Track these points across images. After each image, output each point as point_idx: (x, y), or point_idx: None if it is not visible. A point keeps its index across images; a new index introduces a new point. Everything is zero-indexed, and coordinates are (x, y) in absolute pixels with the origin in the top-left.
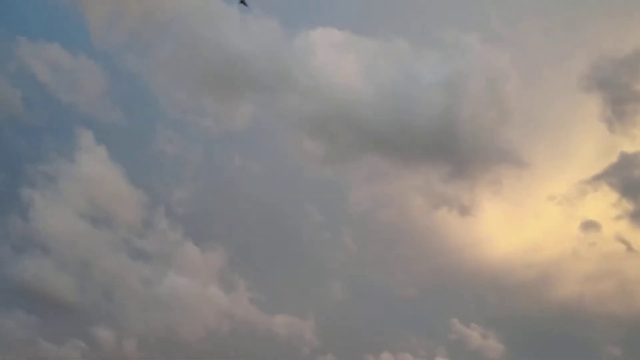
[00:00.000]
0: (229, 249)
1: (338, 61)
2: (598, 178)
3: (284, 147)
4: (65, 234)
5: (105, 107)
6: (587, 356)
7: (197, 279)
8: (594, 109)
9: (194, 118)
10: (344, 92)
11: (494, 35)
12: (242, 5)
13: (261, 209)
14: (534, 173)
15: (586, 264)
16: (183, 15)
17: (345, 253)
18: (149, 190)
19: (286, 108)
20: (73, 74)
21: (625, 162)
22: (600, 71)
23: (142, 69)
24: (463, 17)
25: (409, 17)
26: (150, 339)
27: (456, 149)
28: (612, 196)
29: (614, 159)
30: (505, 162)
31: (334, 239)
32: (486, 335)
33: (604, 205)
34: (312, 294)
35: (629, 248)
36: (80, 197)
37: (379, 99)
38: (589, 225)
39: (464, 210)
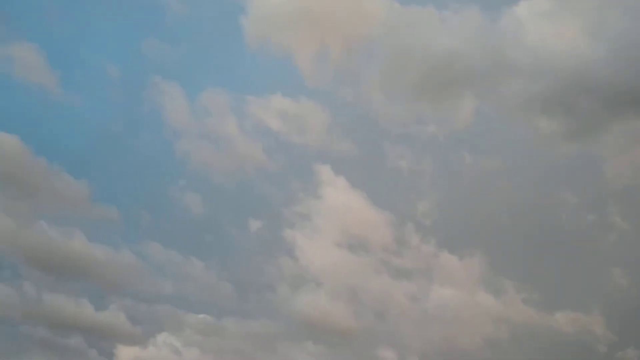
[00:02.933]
0: (486, 252)
1: (553, 29)
2: None
3: (517, 134)
4: (329, 265)
5: (334, 140)
6: None
7: (461, 287)
8: None
9: (417, 128)
10: (570, 59)
11: None
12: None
13: (508, 204)
14: None
15: None
16: (381, 33)
17: (616, 233)
18: (393, 209)
19: (510, 93)
20: (298, 118)
21: None
22: None
23: (357, 96)
24: None
25: None
26: (431, 353)
27: None
28: None
29: None
30: None
31: (599, 221)
32: None
33: None
34: (590, 284)
35: None
36: (333, 228)
37: (612, 55)
38: None
39: None
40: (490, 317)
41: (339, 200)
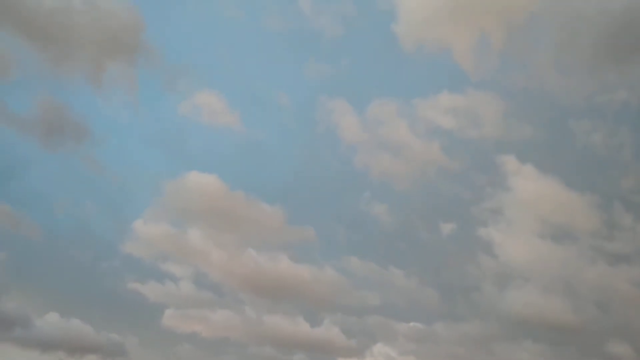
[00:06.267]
0: None
1: None
2: None
3: None
4: (534, 259)
5: (512, 127)
6: None
7: None
8: None
9: (605, 97)
10: None
11: None
12: None
13: None
14: None
15: None
16: (544, 6)
17: None
18: (594, 190)
19: None
20: (470, 112)
21: None
22: None
23: (528, 77)
24: None
25: None
26: None
27: None
28: None
29: None
30: None
31: None
32: None
33: None
34: None
35: None
36: (530, 220)
37: None
38: None
39: None
40: None
41: (531, 189)
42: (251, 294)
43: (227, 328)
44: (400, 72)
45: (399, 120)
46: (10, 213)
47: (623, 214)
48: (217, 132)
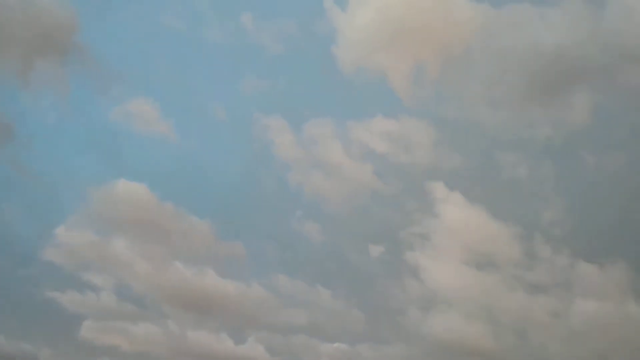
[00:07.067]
0: (630, 258)
1: None
2: None
3: None
4: (458, 285)
5: (443, 155)
6: None
7: (607, 299)
8: None
9: (530, 133)
10: None
11: None
12: None
13: None
14: None
15: None
16: (479, 40)
17: None
18: (517, 221)
19: (629, 81)
20: (403, 137)
21: None
22: None
23: (460, 108)
24: None
25: None
26: None
27: None
28: None
29: None
30: None
31: None
32: None
33: None
34: None
35: None
36: (455, 246)
37: None
38: None
39: None
40: None
41: (458, 216)
42: (175, 308)
43: (148, 342)
44: (338, 94)
45: (334, 141)
46: None
47: (542, 245)
48: (149, 141)
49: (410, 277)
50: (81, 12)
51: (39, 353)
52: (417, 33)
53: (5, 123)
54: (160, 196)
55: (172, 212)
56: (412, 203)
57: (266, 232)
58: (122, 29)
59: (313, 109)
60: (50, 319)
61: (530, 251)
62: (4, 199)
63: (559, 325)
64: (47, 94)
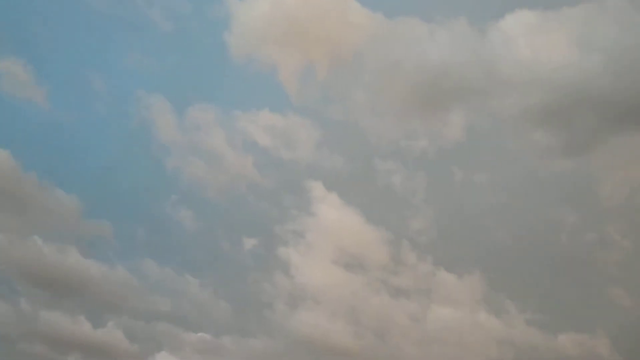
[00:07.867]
0: (485, 270)
1: (542, 42)
2: None
3: (509, 148)
4: (326, 284)
5: (324, 156)
6: None
7: (462, 307)
8: None
9: (408, 143)
10: (562, 71)
11: None
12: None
13: (504, 220)
14: None
15: None
16: (368, 47)
17: (618, 253)
18: (387, 227)
19: (502, 107)
20: (287, 133)
21: None
22: None
23: (345, 112)
24: None
25: None
26: None
27: None
28: None
29: None
30: None
31: (600, 239)
32: None
33: None
34: (594, 304)
35: None
36: (328, 246)
37: (605, 66)
38: None
39: None
40: (493, 338)
41: (333, 217)
42: (29, 286)
43: None
44: (226, 81)
45: (217, 128)
46: None
47: (409, 252)
48: (18, 105)
49: (281, 272)
50: None
51: None
52: (310, 31)
53: None
54: (24, 165)
55: (35, 183)
56: (289, 199)
57: (137, 214)
58: None
59: (199, 93)
60: None
61: (397, 256)
62: None
63: (416, 329)
64: None
